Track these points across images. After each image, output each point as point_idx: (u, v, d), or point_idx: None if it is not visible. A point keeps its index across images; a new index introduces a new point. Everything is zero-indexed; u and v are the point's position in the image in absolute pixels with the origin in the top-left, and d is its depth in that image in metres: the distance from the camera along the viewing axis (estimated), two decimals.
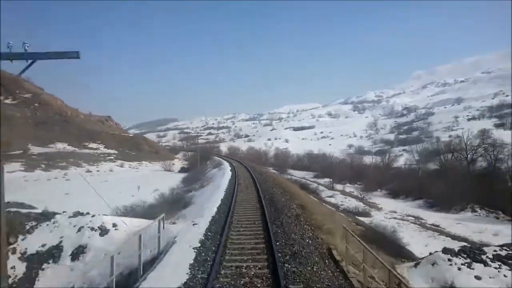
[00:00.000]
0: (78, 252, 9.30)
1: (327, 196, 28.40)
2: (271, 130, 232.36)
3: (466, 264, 9.40)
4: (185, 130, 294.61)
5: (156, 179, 33.46)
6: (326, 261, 7.21)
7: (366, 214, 20.33)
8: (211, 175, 26.64)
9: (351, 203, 25.59)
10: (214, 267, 6.26)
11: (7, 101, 72.44)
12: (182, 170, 46.79)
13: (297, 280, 5.96)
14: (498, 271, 9.12)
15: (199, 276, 6.04)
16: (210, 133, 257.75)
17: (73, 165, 42.36)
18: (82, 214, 10.47)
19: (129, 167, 48.77)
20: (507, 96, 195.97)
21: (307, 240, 8.42)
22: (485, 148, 58.90)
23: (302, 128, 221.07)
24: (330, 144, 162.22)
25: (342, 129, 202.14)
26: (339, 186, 39.67)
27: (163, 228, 8.77)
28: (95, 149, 56.73)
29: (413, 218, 22.55)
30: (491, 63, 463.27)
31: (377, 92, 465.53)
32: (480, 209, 27.20)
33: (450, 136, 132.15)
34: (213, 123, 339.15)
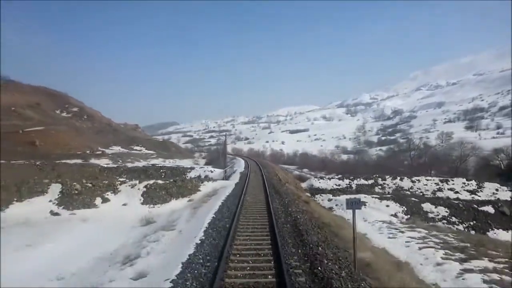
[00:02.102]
0: (206, 177, 32.81)
1: (296, 174, 51.79)
2: (269, 133, 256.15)
3: (319, 179, 32.96)
4: (188, 134, 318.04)
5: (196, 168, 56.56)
6: (275, 176, 30.94)
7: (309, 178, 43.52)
8: (233, 162, 50.07)
9: (306, 176, 48.99)
10: (248, 173, 29.88)
11: (63, 114, 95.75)
12: (206, 164, 70.16)
13: (266, 177, 29.45)
14: (325, 180, 32.73)
15: (245, 172, 29.61)
16: (212, 136, 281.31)
17: (135, 161, 65.51)
18: (203, 166, 34.01)
19: (169, 162, 72.03)
20: (482, 100, 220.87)
21: (272, 172, 32.11)
22: (419, 148, 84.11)
23: (298, 131, 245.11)
24: (321, 146, 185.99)
25: (333, 131, 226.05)
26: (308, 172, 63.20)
27: (234, 169, 32.44)
28: (139, 150, 79.96)
29: None
30: (484, 63, 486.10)
31: (372, 95, 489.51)
32: None
33: (420, 138, 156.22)
34: (214, 127, 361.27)
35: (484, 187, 28.89)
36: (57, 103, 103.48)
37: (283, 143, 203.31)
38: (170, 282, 5.49)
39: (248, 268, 6.24)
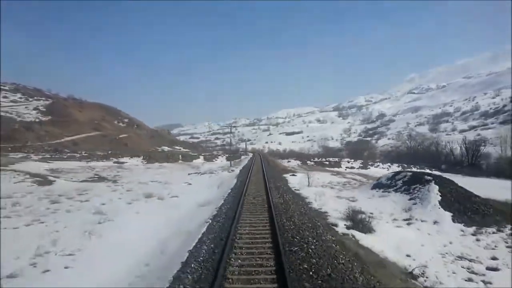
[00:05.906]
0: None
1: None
2: (268, 135, 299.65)
3: (286, 160, 76.79)
4: (194, 136, 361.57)
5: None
6: (266, 158, 75.01)
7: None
8: (247, 153, 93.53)
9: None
10: (254, 156, 73.75)
11: (120, 123, 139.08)
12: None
13: (262, 156, 73.25)
14: (289, 160, 76.69)
15: (254, 156, 73.40)
16: (217, 138, 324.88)
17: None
18: (241, 153, 77.97)
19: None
20: (451, 106, 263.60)
21: (265, 155, 76.11)
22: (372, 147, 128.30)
23: (293, 133, 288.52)
24: (311, 146, 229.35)
25: (324, 133, 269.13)
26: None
27: (247, 155, 76.48)
28: (179, 149, 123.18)
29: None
30: (480, 65, 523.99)
31: (368, 97, 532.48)
32: None
33: (389, 139, 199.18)
34: (218, 129, 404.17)
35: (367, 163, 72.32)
36: (112, 115, 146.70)
37: (280, 143, 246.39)
38: (248, 162, 48.87)
39: (257, 160, 49.85)
